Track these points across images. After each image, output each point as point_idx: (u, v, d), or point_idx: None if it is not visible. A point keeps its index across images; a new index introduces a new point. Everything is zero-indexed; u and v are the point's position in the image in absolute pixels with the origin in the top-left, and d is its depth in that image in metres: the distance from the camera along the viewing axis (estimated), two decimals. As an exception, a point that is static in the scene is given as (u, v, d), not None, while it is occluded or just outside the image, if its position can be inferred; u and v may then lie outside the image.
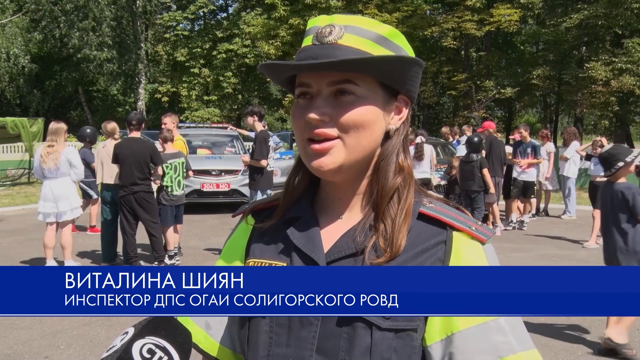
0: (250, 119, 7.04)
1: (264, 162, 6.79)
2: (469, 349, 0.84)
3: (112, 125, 7.05)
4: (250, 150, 7.64)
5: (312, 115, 0.86)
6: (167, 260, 6.97)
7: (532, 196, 9.84)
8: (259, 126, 7.01)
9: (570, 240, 8.73)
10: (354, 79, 0.86)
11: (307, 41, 0.90)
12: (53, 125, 6.48)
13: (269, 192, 6.98)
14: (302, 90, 0.89)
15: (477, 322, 0.85)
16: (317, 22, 0.91)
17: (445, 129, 13.90)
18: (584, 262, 7.23)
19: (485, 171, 8.38)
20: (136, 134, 6.58)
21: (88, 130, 8.64)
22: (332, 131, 0.87)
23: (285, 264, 0.92)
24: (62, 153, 6.30)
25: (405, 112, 0.94)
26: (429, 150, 9.84)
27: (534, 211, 10.87)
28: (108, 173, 6.74)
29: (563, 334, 4.69)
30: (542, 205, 11.43)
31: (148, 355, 0.82)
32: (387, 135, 0.93)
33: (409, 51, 0.93)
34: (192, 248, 8.01)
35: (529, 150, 9.30)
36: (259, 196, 6.93)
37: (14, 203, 12.56)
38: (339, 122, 0.87)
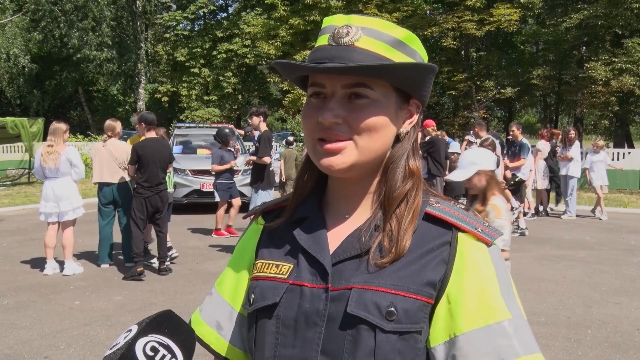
0: (256, 119, 7.13)
1: (267, 159, 6.93)
2: (472, 352, 0.83)
3: (112, 124, 7.01)
4: (252, 150, 7.73)
5: (326, 118, 0.85)
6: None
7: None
8: (264, 126, 7.11)
9: (570, 240, 8.73)
10: (369, 82, 0.86)
11: (323, 40, 0.89)
12: (53, 125, 6.51)
13: (270, 191, 7.02)
14: (316, 90, 0.89)
15: (481, 324, 0.84)
16: (333, 21, 0.91)
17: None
18: (584, 262, 7.24)
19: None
20: (153, 134, 6.63)
21: (226, 130, 8.89)
22: (345, 133, 0.87)
23: (292, 265, 0.92)
24: (62, 153, 6.32)
25: (416, 116, 0.94)
26: None
27: (532, 211, 10.86)
28: (109, 172, 6.74)
29: (563, 334, 4.69)
30: (541, 206, 11.45)
31: (151, 353, 0.81)
32: (398, 138, 0.93)
33: (423, 55, 0.93)
34: (192, 248, 8.01)
35: (517, 150, 9.20)
36: (260, 195, 6.98)
37: (14, 203, 12.56)
38: (352, 125, 0.86)
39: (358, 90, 0.86)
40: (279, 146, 14.66)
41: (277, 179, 8.79)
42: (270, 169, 7.12)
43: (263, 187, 7.00)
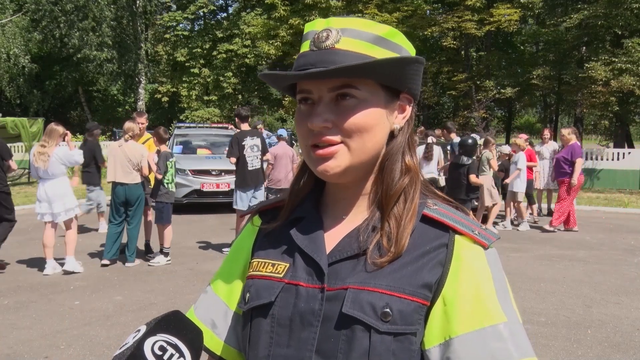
0: (237, 121, 7.54)
1: (232, 160, 7.34)
2: (467, 354, 0.83)
3: (132, 126, 7.06)
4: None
5: (315, 124, 0.86)
6: (162, 258, 7.02)
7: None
8: (244, 126, 7.46)
9: (570, 240, 8.73)
10: (354, 82, 0.86)
11: (305, 47, 0.90)
12: (49, 126, 6.56)
13: (247, 189, 7.36)
14: (304, 96, 0.89)
15: (476, 327, 0.84)
16: (313, 26, 0.91)
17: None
18: (583, 262, 7.24)
19: (472, 176, 8.08)
20: None
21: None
22: (336, 137, 0.86)
23: (288, 264, 0.92)
24: (52, 154, 6.33)
25: (409, 110, 0.94)
26: (437, 151, 9.84)
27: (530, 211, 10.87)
28: (122, 172, 6.79)
29: (563, 334, 4.69)
30: (544, 206, 11.45)
31: (160, 352, 0.82)
32: (392, 135, 0.92)
33: (409, 49, 0.92)
34: (192, 248, 8.02)
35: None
36: (236, 194, 7.44)
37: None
38: (342, 127, 0.86)
39: (344, 91, 0.86)
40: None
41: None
42: (251, 168, 7.38)
43: (237, 185, 7.45)
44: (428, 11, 23.61)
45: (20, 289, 5.92)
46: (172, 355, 0.83)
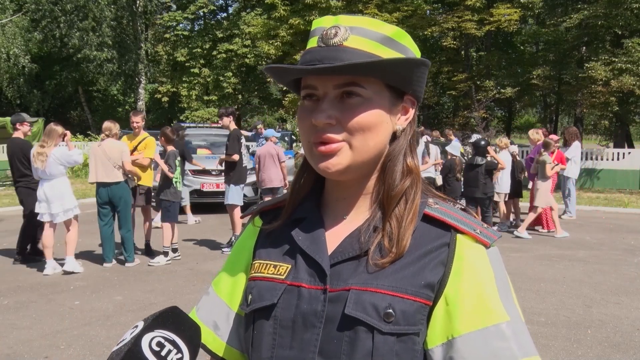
0: (226, 120, 7.55)
1: (235, 157, 7.45)
2: (469, 354, 0.83)
3: (109, 125, 7.01)
4: (248, 149, 8.28)
5: (319, 119, 0.85)
6: (162, 258, 7.05)
7: None
8: (233, 125, 7.61)
9: (570, 240, 8.73)
10: (360, 81, 0.86)
11: (313, 42, 0.90)
12: (48, 126, 6.55)
13: (241, 185, 7.59)
14: (308, 92, 0.89)
15: (478, 326, 0.84)
16: (322, 22, 0.91)
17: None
18: (583, 262, 7.24)
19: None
20: (20, 134, 7.23)
21: None
22: (339, 134, 0.86)
23: (290, 266, 0.92)
24: (50, 155, 6.33)
25: (411, 112, 0.94)
26: (434, 150, 9.86)
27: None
28: (104, 172, 6.76)
29: (563, 334, 4.69)
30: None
31: (157, 348, 0.82)
32: (394, 136, 0.92)
33: (415, 51, 0.92)
34: (192, 248, 8.01)
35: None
36: (232, 189, 7.55)
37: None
38: (346, 125, 0.86)
39: (349, 89, 0.86)
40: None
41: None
42: (244, 165, 7.59)
43: (234, 182, 7.54)
44: (428, 11, 23.62)
45: (20, 289, 5.92)
46: (169, 351, 0.82)
